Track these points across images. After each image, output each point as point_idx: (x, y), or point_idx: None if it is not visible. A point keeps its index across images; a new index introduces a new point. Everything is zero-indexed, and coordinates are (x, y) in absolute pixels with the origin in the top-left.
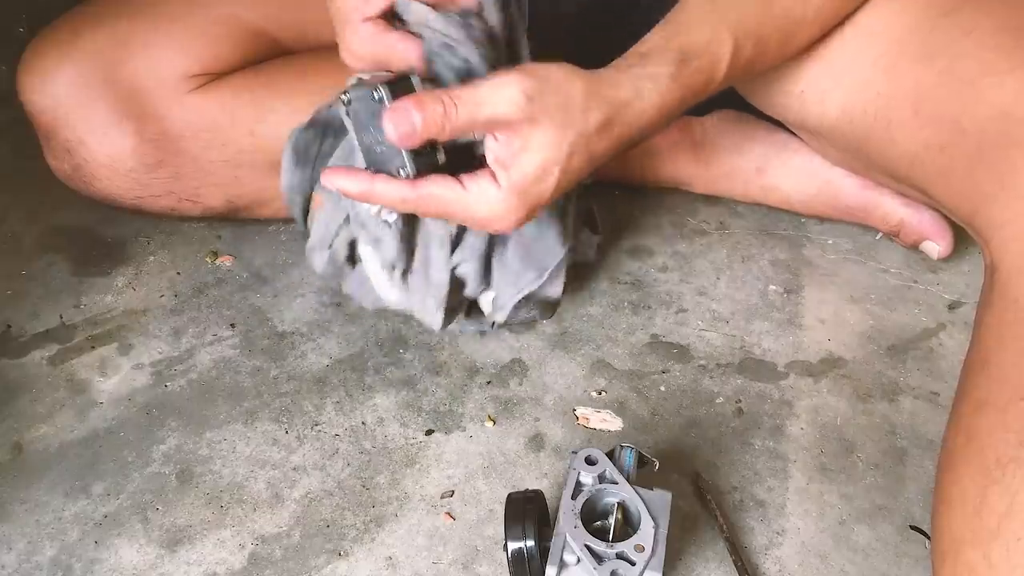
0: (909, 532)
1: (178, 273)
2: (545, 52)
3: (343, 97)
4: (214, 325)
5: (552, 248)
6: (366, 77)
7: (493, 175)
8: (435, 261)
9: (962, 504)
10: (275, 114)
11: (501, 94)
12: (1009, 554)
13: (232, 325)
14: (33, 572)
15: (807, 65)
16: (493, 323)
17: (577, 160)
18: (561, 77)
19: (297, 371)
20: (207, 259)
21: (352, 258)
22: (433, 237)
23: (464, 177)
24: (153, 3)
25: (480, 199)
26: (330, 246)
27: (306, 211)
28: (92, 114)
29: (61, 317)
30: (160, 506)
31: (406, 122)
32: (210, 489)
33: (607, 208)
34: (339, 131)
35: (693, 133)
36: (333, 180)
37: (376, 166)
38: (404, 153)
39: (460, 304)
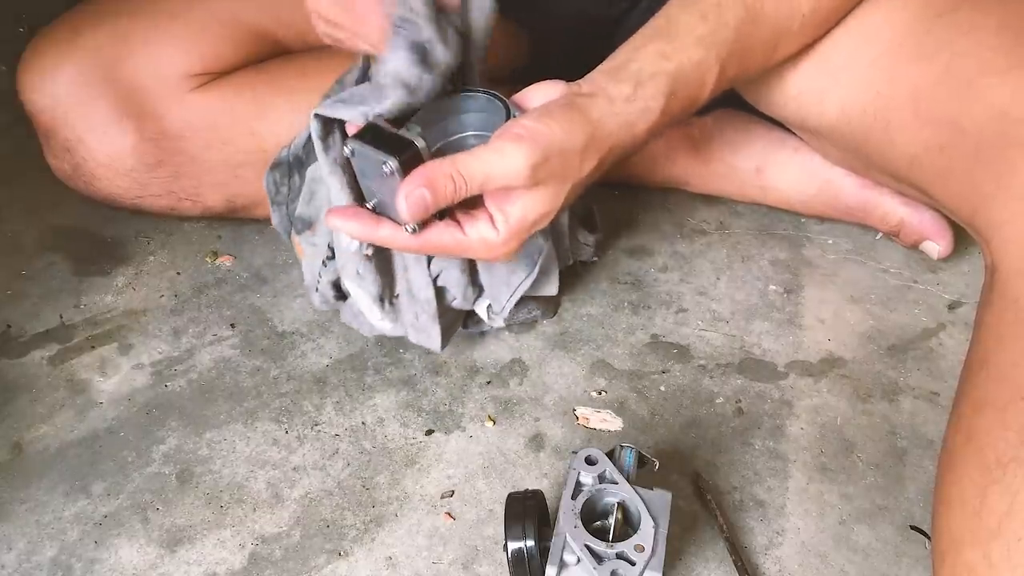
0: (909, 532)
1: (178, 273)
2: (538, 55)
3: (346, 148)
4: (214, 325)
5: (534, 241)
6: (370, 117)
7: (491, 218)
8: (416, 279)
9: (962, 504)
10: (276, 113)
11: (508, 167)
12: (1009, 554)
13: (232, 325)
14: (33, 572)
15: (804, 66)
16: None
17: (569, 198)
18: (563, 137)
19: (297, 371)
20: (207, 259)
21: (342, 294)
22: (409, 256)
23: (464, 222)
24: (153, 2)
25: (480, 244)
26: (317, 289)
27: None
28: (92, 113)
29: (61, 317)
30: (160, 506)
31: (419, 205)
32: (210, 489)
33: (607, 208)
34: (304, 164)
35: (692, 133)
36: (337, 223)
37: (378, 205)
38: None
39: (456, 319)
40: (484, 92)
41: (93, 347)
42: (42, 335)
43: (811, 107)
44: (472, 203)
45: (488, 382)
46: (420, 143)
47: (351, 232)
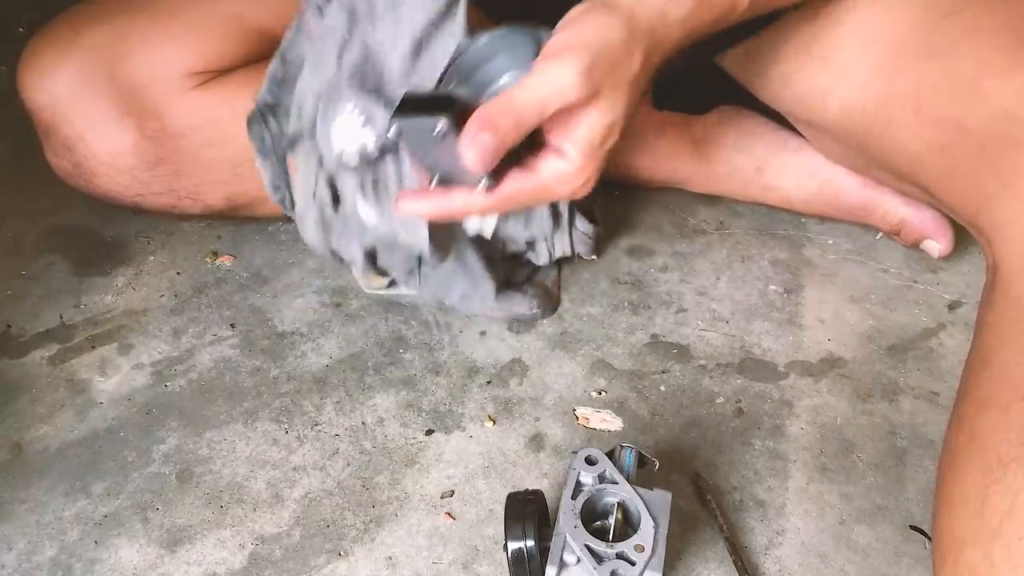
0: (909, 532)
1: (178, 273)
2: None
3: (391, 131)
4: (214, 325)
5: None
6: (413, 91)
7: (558, 151)
8: (408, 174)
9: (963, 503)
10: None
11: (560, 83)
12: (1011, 554)
13: (232, 325)
14: (33, 572)
15: (808, 64)
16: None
17: (631, 104)
18: (602, 35)
19: (297, 371)
20: (207, 259)
21: (336, 200)
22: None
23: (535, 164)
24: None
25: (557, 179)
26: (314, 195)
27: (293, 202)
28: (92, 111)
29: (61, 317)
30: (160, 506)
31: (486, 151)
32: (210, 489)
33: (607, 208)
34: (275, 106)
35: (693, 132)
36: (409, 207)
37: (443, 177)
38: None
39: (449, 234)
40: (504, 29)
41: (93, 347)
42: (42, 335)
43: (814, 104)
44: (532, 148)
45: (488, 382)
46: (462, 92)
47: (429, 212)
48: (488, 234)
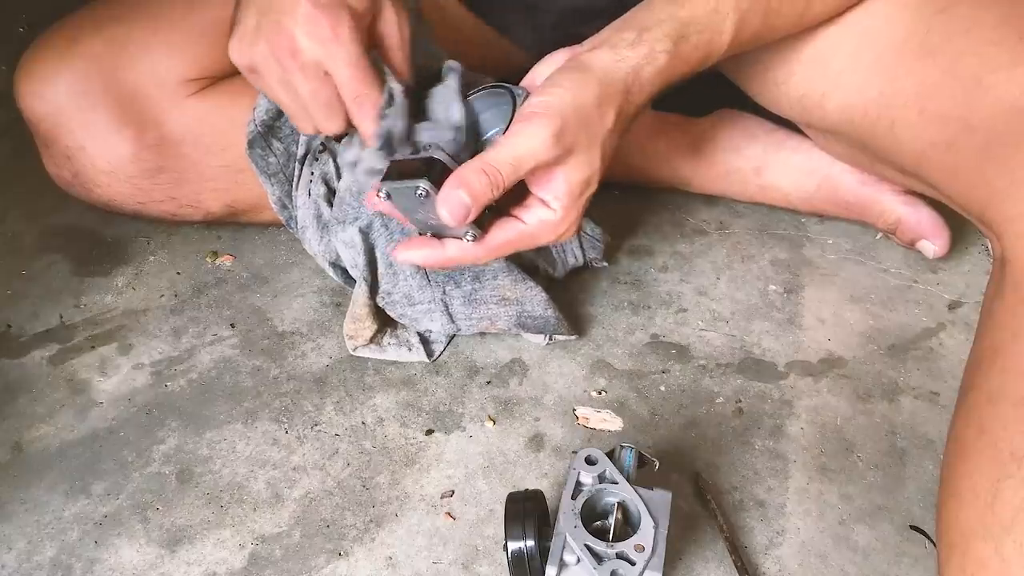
0: (909, 532)
1: (178, 273)
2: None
3: (380, 194)
4: (214, 325)
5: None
6: (397, 158)
7: (542, 200)
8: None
9: (973, 497)
10: None
11: (532, 144)
12: (1022, 549)
13: (232, 325)
14: (33, 572)
15: (805, 69)
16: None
17: (606, 155)
18: (573, 98)
19: (297, 371)
20: (207, 259)
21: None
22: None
23: (520, 214)
24: (151, 7)
25: (542, 228)
26: (309, 193)
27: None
28: (92, 121)
29: (61, 317)
30: (160, 506)
31: (460, 208)
32: (210, 489)
33: (607, 208)
34: (281, 133)
35: (692, 133)
36: (405, 256)
37: (435, 232)
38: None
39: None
40: (489, 87)
41: (93, 347)
42: (42, 335)
43: (813, 107)
44: (520, 199)
45: (488, 382)
46: (441, 155)
47: (422, 260)
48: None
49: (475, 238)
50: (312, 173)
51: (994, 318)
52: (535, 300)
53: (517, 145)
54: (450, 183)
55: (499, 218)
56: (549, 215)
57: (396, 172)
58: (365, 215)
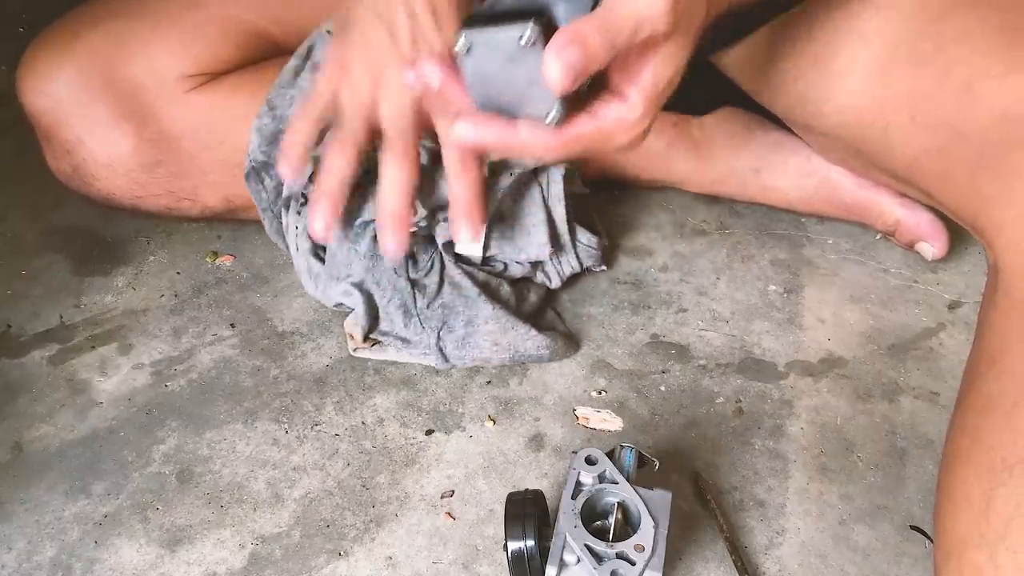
0: (909, 532)
1: (178, 273)
2: None
3: (459, 41)
4: (214, 325)
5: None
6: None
7: (622, 95)
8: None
9: (968, 505)
10: None
11: (654, 9)
12: (1016, 557)
13: (232, 325)
14: (33, 572)
15: (803, 71)
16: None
17: (689, 56)
18: None
19: (297, 371)
20: (207, 259)
21: (318, 254)
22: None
23: (597, 109)
24: (151, 4)
25: (618, 126)
26: (297, 248)
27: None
28: (92, 114)
29: (61, 317)
30: (160, 506)
31: (574, 66)
32: (210, 489)
33: (607, 208)
34: (271, 170)
35: (692, 132)
36: (467, 134)
37: (505, 110)
38: (555, 98)
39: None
40: None
41: (93, 347)
42: (42, 335)
43: (811, 109)
44: (596, 94)
45: (488, 382)
46: (559, 7)
47: (492, 140)
48: (478, 256)
49: (558, 122)
50: (296, 227)
51: (988, 325)
52: (528, 344)
53: (639, 5)
54: (564, 36)
55: (576, 109)
56: (626, 113)
57: (485, 19)
58: (357, 271)
